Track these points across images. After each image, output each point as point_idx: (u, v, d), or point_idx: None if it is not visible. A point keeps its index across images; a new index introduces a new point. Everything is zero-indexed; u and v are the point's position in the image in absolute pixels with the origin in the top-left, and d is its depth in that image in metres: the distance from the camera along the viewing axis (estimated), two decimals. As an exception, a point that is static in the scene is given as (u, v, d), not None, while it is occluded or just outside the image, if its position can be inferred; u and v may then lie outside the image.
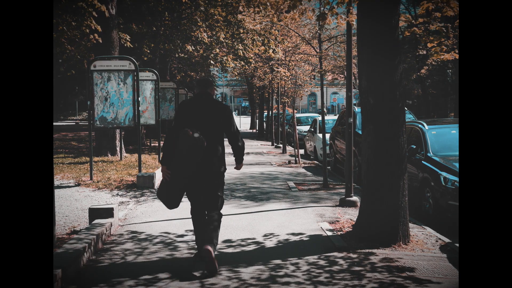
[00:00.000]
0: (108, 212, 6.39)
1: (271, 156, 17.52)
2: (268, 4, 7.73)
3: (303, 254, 5.42)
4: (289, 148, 20.69)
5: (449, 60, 7.39)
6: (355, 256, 5.35)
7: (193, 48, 18.08)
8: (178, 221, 6.96)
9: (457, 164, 7.13)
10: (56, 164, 12.45)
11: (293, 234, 6.31)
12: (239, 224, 6.79)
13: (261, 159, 16.47)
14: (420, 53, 19.10)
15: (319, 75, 11.72)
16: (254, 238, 6.10)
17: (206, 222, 4.98)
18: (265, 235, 6.23)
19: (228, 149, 5.81)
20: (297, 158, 14.86)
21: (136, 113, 10.59)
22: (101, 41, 12.99)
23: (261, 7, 8.07)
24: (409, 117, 13.65)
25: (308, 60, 16.84)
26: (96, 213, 6.37)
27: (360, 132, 8.38)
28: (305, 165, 14.25)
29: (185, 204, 7.95)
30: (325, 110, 11.01)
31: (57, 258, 4.58)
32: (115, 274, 4.77)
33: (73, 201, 8.32)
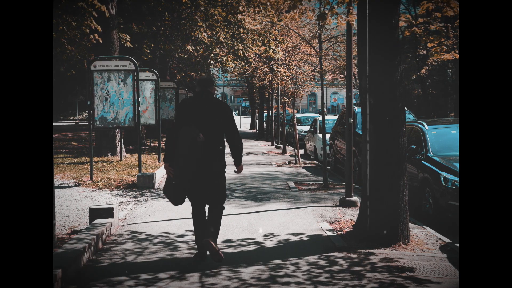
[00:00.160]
0: (108, 212, 6.39)
1: (271, 156, 17.52)
2: (268, 4, 7.73)
3: (303, 254, 5.42)
4: (289, 148, 20.69)
5: (449, 60, 7.39)
6: (355, 256, 5.35)
7: (193, 48, 18.08)
8: (178, 221, 6.96)
9: (457, 164, 7.13)
10: (56, 164, 12.46)
11: (293, 234, 6.31)
12: (239, 224, 6.79)
13: (261, 159, 16.47)
14: (420, 53, 19.09)
15: (319, 75, 11.73)
16: (254, 238, 6.10)
17: (208, 216, 5.12)
18: (265, 235, 6.23)
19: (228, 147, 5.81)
20: (297, 158, 14.86)
21: (136, 113, 10.60)
22: (101, 41, 12.99)
23: (261, 7, 8.07)
24: (409, 117, 13.65)
25: (308, 60, 16.84)
26: (96, 213, 6.37)
27: (360, 132, 8.38)
28: (305, 165, 14.25)
29: (185, 205, 7.95)
30: (325, 110, 11.01)
31: (57, 258, 4.58)
32: (115, 274, 4.77)
33: (73, 201, 8.32)
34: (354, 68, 11.94)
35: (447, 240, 6.03)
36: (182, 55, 18.92)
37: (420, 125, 8.90)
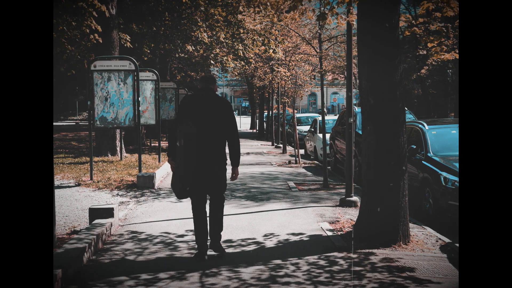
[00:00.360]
0: (108, 212, 6.39)
1: (271, 156, 17.52)
2: (268, 4, 7.73)
3: (303, 254, 5.42)
4: (289, 148, 20.69)
5: (449, 60, 7.39)
6: (355, 256, 5.35)
7: (193, 48, 18.08)
8: (178, 221, 6.97)
9: (457, 164, 7.13)
10: (56, 164, 12.46)
11: (293, 234, 6.31)
12: (239, 224, 6.79)
13: (261, 159, 16.47)
14: (420, 53, 19.10)
15: (319, 75, 11.73)
16: (254, 238, 6.10)
17: (210, 210, 5.29)
18: (265, 235, 6.23)
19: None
20: (297, 158, 14.86)
21: (136, 113, 10.60)
22: (101, 41, 12.99)
23: (261, 7, 8.07)
24: (409, 117, 13.64)
25: (308, 60, 16.83)
26: (96, 213, 6.37)
27: (360, 132, 8.38)
28: (305, 165, 14.26)
29: (185, 204, 7.96)
30: (325, 110, 11.01)
31: (57, 258, 4.58)
32: (115, 274, 4.77)
33: (73, 201, 8.32)
34: (354, 68, 11.92)
35: (447, 240, 6.03)
36: (182, 55, 18.92)
37: (420, 125, 8.90)
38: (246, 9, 13.76)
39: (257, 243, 5.91)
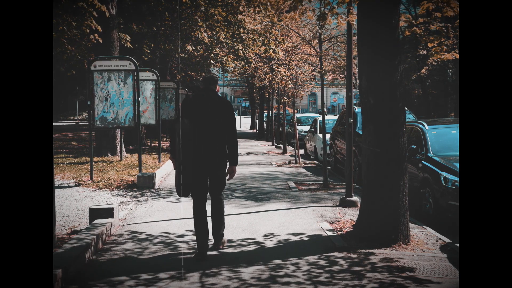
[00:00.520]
0: (108, 212, 6.39)
1: (271, 156, 17.52)
2: (268, 4, 7.73)
3: (303, 254, 5.42)
4: (289, 148, 20.68)
5: (449, 60, 7.38)
6: (355, 256, 5.35)
7: (194, 48, 18.07)
8: (178, 221, 6.97)
9: (457, 164, 7.13)
10: (57, 164, 12.46)
11: (293, 234, 6.31)
12: (240, 224, 6.79)
13: (261, 159, 16.47)
14: (421, 53, 19.09)
15: (320, 75, 11.72)
16: (254, 238, 6.10)
17: (212, 214, 5.43)
18: (265, 235, 6.23)
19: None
20: (297, 158, 14.86)
21: (137, 113, 10.60)
22: (101, 41, 12.99)
23: (261, 7, 8.07)
24: (409, 117, 13.65)
25: (309, 60, 16.82)
26: (96, 213, 6.38)
27: (360, 132, 8.38)
28: (306, 165, 14.26)
29: (185, 204, 7.97)
30: (325, 110, 11.01)
31: (57, 258, 4.58)
32: (115, 274, 4.77)
33: (74, 201, 8.32)
34: (354, 68, 11.90)
35: (447, 240, 6.03)
36: (183, 55, 18.92)
37: (420, 125, 8.90)
38: (246, 9, 13.75)
39: (257, 243, 5.91)
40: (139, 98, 10.67)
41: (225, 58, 18.49)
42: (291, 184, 10.45)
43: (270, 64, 17.52)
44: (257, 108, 36.53)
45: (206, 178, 5.34)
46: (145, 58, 17.74)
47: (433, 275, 4.81)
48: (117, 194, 9.02)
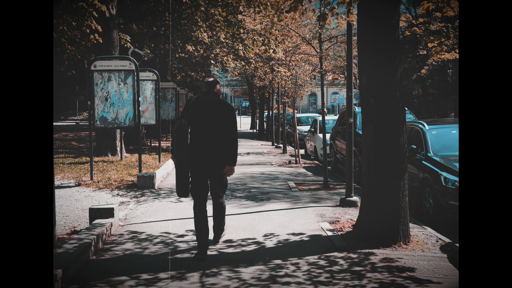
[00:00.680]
0: (108, 212, 6.39)
1: (272, 156, 17.52)
2: (268, 4, 7.73)
3: (303, 254, 5.42)
4: (290, 148, 20.68)
5: (449, 60, 7.39)
6: (355, 256, 5.35)
7: (194, 48, 18.08)
8: (178, 221, 6.97)
9: (457, 164, 7.13)
10: (57, 164, 12.46)
11: (293, 234, 6.31)
12: (240, 224, 6.79)
13: (262, 159, 16.47)
14: (421, 53, 19.08)
15: (320, 75, 11.72)
16: (254, 238, 6.10)
17: (213, 209, 5.59)
18: (265, 235, 6.23)
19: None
20: (297, 158, 14.86)
21: (137, 113, 10.60)
22: (101, 41, 12.99)
23: (261, 7, 8.07)
24: (409, 117, 13.64)
25: (309, 60, 16.82)
26: (97, 213, 6.38)
27: (360, 132, 8.38)
28: (306, 165, 14.25)
29: (185, 205, 7.97)
30: (325, 110, 11.01)
31: (57, 258, 4.58)
32: (115, 274, 4.77)
33: (74, 201, 8.32)
34: (354, 68, 11.91)
35: (447, 240, 6.03)
36: (183, 55, 18.93)
37: (420, 125, 8.90)
38: (246, 9, 13.75)
39: (257, 243, 5.91)
40: (139, 98, 10.67)
41: (225, 58, 18.50)
42: (291, 184, 10.45)
43: (270, 64, 17.52)
44: (257, 108, 36.52)
45: (206, 179, 5.43)
46: (145, 58, 17.74)
47: (433, 275, 4.81)
48: (117, 194, 9.02)
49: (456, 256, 5.29)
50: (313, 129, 17.22)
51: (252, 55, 18.16)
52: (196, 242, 5.38)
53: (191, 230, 6.36)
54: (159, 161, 13.89)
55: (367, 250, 5.53)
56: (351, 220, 6.91)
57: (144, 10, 17.18)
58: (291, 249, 5.65)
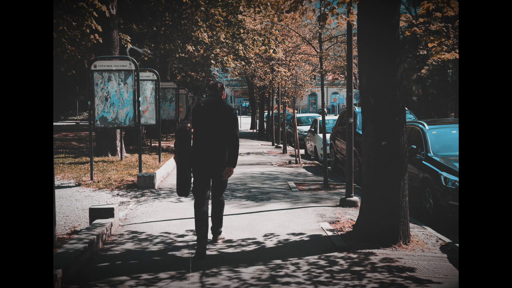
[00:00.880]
0: (108, 212, 6.39)
1: (272, 156, 17.52)
2: (268, 4, 7.73)
3: (303, 254, 5.43)
4: (290, 148, 20.68)
5: (449, 60, 7.38)
6: (355, 256, 5.35)
7: (194, 48, 18.07)
8: (178, 221, 6.97)
9: (457, 164, 7.13)
10: (57, 164, 12.46)
11: (293, 234, 6.31)
12: (240, 224, 6.79)
13: (262, 159, 16.47)
14: (421, 53, 19.08)
15: (320, 75, 11.72)
16: (254, 238, 6.10)
17: (212, 206, 5.74)
18: (265, 235, 6.23)
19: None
20: (297, 158, 14.86)
21: (137, 113, 10.60)
22: (101, 41, 12.99)
23: (261, 7, 8.08)
24: (409, 117, 13.64)
25: (309, 60, 16.82)
26: (97, 213, 6.38)
27: (360, 132, 8.38)
28: (306, 165, 14.26)
29: (185, 205, 7.97)
30: (325, 110, 11.01)
31: (57, 258, 4.58)
32: (115, 274, 4.77)
33: (74, 201, 8.32)
34: (354, 68, 11.90)
35: (447, 240, 6.03)
36: (183, 55, 18.92)
37: (420, 125, 8.90)
38: (246, 9, 13.75)
39: (258, 243, 5.91)
40: (139, 98, 10.67)
41: (225, 58, 18.49)
42: (291, 184, 10.45)
43: (270, 64, 17.52)
44: (257, 108, 36.52)
45: (208, 179, 5.60)
46: (146, 58, 17.74)
47: (433, 275, 4.81)
48: (117, 194, 9.02)
49: (456, 256, 5.29)
50: (313, 129, 17.22)
51: (252, 55, 18.16)
52: (196, 242, 5.41)
53: (191, 230, 6.37)
54: (159, 161, 13.89)
55: (367, 250, 5.53)
56: (351, 220, 6.91)
57: (144, 10, 17.17)
58: (291, 249, 5.65)
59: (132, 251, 5.55)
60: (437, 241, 6.01)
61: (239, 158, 11.74)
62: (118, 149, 14.33)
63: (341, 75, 21.32)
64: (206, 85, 32.98)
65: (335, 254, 5.44)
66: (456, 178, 6.97)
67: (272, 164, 14.68)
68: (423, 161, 8.06)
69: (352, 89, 8.24)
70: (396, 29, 5.78)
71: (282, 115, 19.33)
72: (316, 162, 15.43)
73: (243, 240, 6.03)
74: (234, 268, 4.96)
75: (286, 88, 17.50)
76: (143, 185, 9.59)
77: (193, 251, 5.51)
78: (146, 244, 5.86)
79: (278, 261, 5.17)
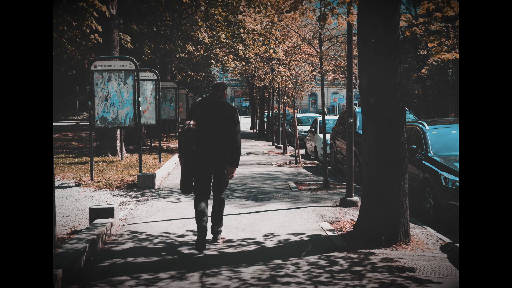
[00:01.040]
0: (108, 212, 6.39)
1: (272, 156, 17.52)
2: (268, 4, 7.73)
3: (303, 254, 5.43)
4: (290, 148, 20.68)
5: (449, 60, 7.38)
6: (355, 256, 5.35)
7: (194, 48, 18.07)
8: (178, 221, 6.97)
9: (457, 164, 7.13)
10: (57, 164, 12.46)
11: (293, 234, 6.31)
12: (240, 224, 6.79)
13: (262, 159, 16.47)
14: (421, 53, 19.07)
15: (320, 75, 11.72)
16: (254, 238, 6.10)
17: (213, 205, 5.81)
18: (265, 235, 6.23)
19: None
20: (297, 158, 14.86)
21: (137, 113, 10.60)
22: (101, 41, 12.99)
23: (261, 7, 8.08)
24: (409, 117, 13.64)
25: (309, 60, 16.82)
26: (97, 213, 6.38)
27: (360, 132, 8.38)
28: (306, 165, 14.26)
29: (185, 205, 7.97)
30: (325, 110, 11.01)
31: (58, 258, 4.58)
32: (116, 274, 4.77)
33: (74, 201, 8.32)
34: (354, 68, 11.90)
35: (447, 240, 6.03)
36: (183, 55, 18.92)
37: (420, 125, 8.90)
38: (247, 9, 13.75)
39: (258, 243, 5.91)
40: (139, 98, 10.67)
41: (226, 58, 18.49)
42: (292, 184, 10.45)
43: (271, 64, 17.52)
44: (258, 108, 36.54)
45: (210, 177, 5.74)
46: (146, 58, 17.74)
47: (434, 275, 4.81)
48: (118, 194, 9.02)
49: (456, 256, 5.29)
50: (313, 129, 17.22)
51: (252, 55, 18.17)
52: (196, 235, 5.61)
53: (191, 230, 6.37)
54: (159, 161, 13.89)
55: (367, 250, 5.53)
56: (351, 220, 6.91)
57: (144, 10, 17.17)
58: (291, 249, 5.65)
59: (132, 251, 5.55)
60: (437, 241, 6.01)
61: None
62: (118, 149, 14.33)
63: (341, 75, 21.33)
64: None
65: (335, 254, 5.44)
66: (456, 178, 6.96)
67: (272, 164, 14.68)
68: (423, 161, 8.06)
69: (352, 89, 8.24)
70: (396, 29, 5.78)
71: (282, 115, 19.33)
72: (316, 162, 15.43)
73: (243, 240, 6.03)
74: (234, 268, 4.96)
75: (286, 88, 17.50)
76: (143, 185, 9.59)
77: (194, 251, 5.51)
78: (146, 244, 5.86)
79: (278, 261, 5.17)
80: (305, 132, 19.68)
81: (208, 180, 5.74)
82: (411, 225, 6.19)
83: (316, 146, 16.49)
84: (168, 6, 17.16)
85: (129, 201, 8.44)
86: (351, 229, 6.32)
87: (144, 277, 4.69)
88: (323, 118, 10.49)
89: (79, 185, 9.83)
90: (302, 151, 18.33)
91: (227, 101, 5.93)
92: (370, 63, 5.87)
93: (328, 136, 13.65)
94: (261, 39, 16.81)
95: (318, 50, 11.99)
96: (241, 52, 17.68)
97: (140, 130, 11.02)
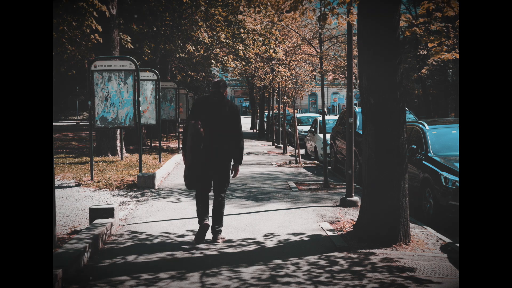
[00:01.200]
0: (108, 212, 6.39)
1: (272, 156, 17.52)
2: (268, 4, 7.73)
3: (303, 254, 5.42)
4: (290, 148, 20.68)
5: (449, 60, 7.38)
6: (355, 256, 5.35)
7: (194, 48, 18.07)
8: (178, 221, 6.97)
9: (457, 164, 7.13)
10: (57, 164, 12.46)
11: (293, 234, 6.31)
12: (240, 224, 6.79)
13: (262, 159, 16.47)
14: (421, 53, 19.08)
15: (320, 75, 11.72)
16: (254, 238, 6.10)
17: (213, 204, 5.87)
18: (265, 235, 6.23)
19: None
20: (297, 158, 14.86)
21: (137, 113, 10.60)
22: (101, 41, 12.99)
23: (261, 7, 8.08)
24: (409, 117, 13.64)
25: (309, 60, 16.82)
26: (97, 213, 6.38)
27: (360, 132, 8.38)
28: (306, 165, 14.26)
29: (185, 205, 7.97)
30: (325, 110, 11.01)
31: (58, 258, 4.58)
32: (116, 274, 4.77)
33: (74, 201, 8.32)
34: (354, 68, 11.90)
35: (447, 240, 6.03)
36: (183, 55, 18.92)
37: (420, 125, 8.90)
38: (247, 9, 13.76)
39: (258, 243, 5.91)
40: (140, 98, 10.67)
41: (226, 58, 18.50)
42: (292, 184, 10.45)
43: (271, 64, 17.52)
44: (258, 108, 36.54)
45: (211, 175, 5.82)
46: (146, 58, 17.75)
47: (434, 275, 4.81)
48: (118, 194, 9.02)
49: (456, 256, 5.29)
50: (313, 129, 17.22)
51: (252, 55, 18.17)
52: (198, 227, 5.76)
53: (191, 230, 6.37)
54: (159, 161, 13.89)
55: (367, 250, 5.53)
56: (351, 220, 6.91)
57: (144, 10, 17.17)
58: (291, 249, 5.65)
59: (132, 251, 5.55)
60: (437, 241, 6.01)
61: (239, 158, 11.68)
62: (118, 149, 14.33)
63: (341, 75, 21.33)
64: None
65: (335, 254, 5.44)
66: (456, 178, 6.97)
67: (272, 164, 14.68)
68: (423, 161, 8.06)
69: (352, 89, 8.24)
70: (396, 29, 5.78)
71: (282, 115, 19.34)
72: (316, 162, 15.43)
73: (243, 240, 6.03)
74: (234, 268, 4.96)
75: (286, 88, 17.50)
76: (143, 185, 9.59)
77: (194, 251, 5.51)
78: (146, 244, 5.86)
79: (278, 261, 5.17)
80: (305, 132, 19.68)
81: (210, 177, 5.83)
82: (411, 225, 6.19)
83: (316, 146, 16.49)
84: (168, 6, 17.16)
85: (129, 201, 8.44)
86: (351, 229, 6.32)
87: (144, 277, 4.69)
88: (323, 118, 10.49)
89: (79, 185, 9.83)
90: (302, 151, 18.34)
91: (228, 99, 5.99)
92: (370, 63, 5.87)
93: (328, 136, 13.65)
94: (261, 39, 16.82)
95: (318, 50, 11.99)
96: (241, 52, 17.69)
97: (140, 130, 11.02)
